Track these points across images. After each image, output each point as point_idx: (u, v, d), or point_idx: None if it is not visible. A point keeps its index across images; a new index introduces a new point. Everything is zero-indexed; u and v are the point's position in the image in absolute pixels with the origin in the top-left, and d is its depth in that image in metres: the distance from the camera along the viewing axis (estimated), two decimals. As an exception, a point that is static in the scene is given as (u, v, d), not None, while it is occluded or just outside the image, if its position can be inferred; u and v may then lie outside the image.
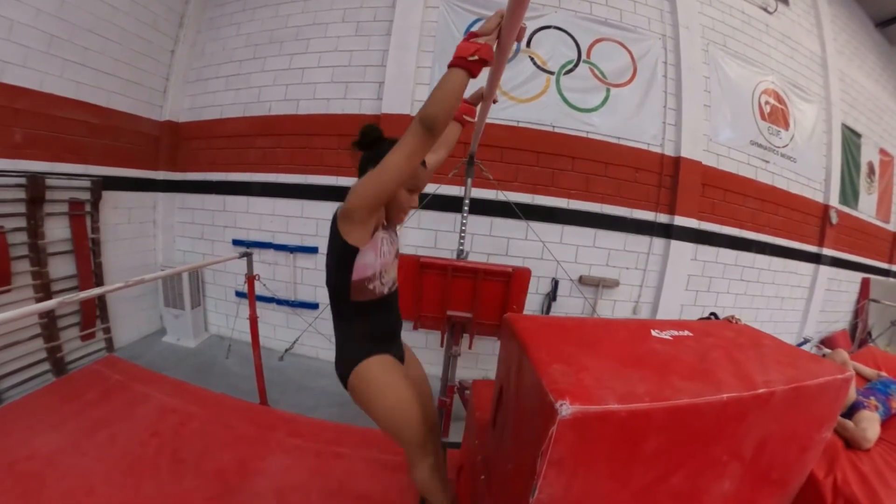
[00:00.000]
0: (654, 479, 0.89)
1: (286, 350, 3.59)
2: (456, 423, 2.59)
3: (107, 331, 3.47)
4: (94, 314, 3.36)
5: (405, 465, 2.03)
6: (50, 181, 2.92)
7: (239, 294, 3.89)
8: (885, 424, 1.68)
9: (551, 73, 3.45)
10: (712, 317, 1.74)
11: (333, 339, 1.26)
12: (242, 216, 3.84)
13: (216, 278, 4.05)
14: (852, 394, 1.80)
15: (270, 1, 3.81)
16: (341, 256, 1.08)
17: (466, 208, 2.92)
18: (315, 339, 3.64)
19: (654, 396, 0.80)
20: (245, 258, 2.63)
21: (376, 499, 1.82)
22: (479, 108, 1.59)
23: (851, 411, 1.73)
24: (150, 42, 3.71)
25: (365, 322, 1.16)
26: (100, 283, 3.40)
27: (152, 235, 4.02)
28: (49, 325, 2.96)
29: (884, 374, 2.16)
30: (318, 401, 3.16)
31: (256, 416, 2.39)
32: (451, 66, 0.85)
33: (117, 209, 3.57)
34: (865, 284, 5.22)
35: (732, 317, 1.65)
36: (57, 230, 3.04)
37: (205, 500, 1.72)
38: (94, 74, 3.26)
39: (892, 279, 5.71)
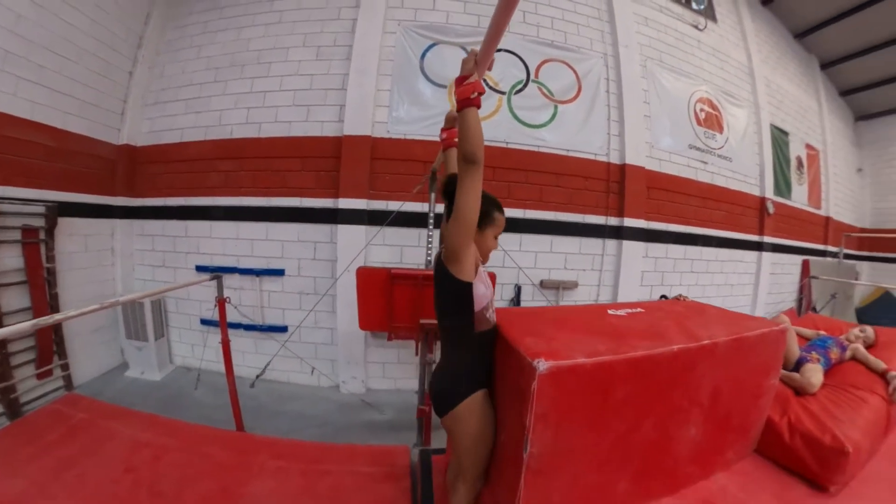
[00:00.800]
0: (627, 428, 1.04)
1: (257, 376, 3.50)
2: (435, 433, 2.63)
3: (65, 367, 3.27)
4: (51, 349, 3.16)
5: (394, 475, 2.07)
6: (1, 206, 2.78)
7: (205, 322, 3.79)
8: (827, 374, 1.89)
9: (503, 93, 3.68)
10: (663, 298, 1.93)
11: (304, 362, 1.28)
12: (206, 241, 3.78)
13: (179, 307, 3.93)
14: (796, 351, 2.01)
15: (231, 24, 3.87)
16: (459, 294, 1.14)
17: (431, 222, 3.04)
18: (286, 363, 3.58)
19: (614, 352, 0.98)
20: (214, 281, 2.60)
21: None
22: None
23: (797, 367, 1.94)
24: (108, 62, 3.62)
25: (483, 354, 1.22)
26: (56, 314, 3.25)
27: (111, 264, 3.86)
28: (2, 362, 2.77)
29: (822, 332, 2.42)
30: (293, 424, 3.11)
31: (235, 443, 2.32)
32: (460, 108, 1.03)
33: (73, 236, 3.42)
34: (806, 265, 5.82)
35: (680, 295, 1.86)
36: (9, 259, 2.87)
37: None
38: (49, 94, 3.13)
39: (828, 258, 6.39)
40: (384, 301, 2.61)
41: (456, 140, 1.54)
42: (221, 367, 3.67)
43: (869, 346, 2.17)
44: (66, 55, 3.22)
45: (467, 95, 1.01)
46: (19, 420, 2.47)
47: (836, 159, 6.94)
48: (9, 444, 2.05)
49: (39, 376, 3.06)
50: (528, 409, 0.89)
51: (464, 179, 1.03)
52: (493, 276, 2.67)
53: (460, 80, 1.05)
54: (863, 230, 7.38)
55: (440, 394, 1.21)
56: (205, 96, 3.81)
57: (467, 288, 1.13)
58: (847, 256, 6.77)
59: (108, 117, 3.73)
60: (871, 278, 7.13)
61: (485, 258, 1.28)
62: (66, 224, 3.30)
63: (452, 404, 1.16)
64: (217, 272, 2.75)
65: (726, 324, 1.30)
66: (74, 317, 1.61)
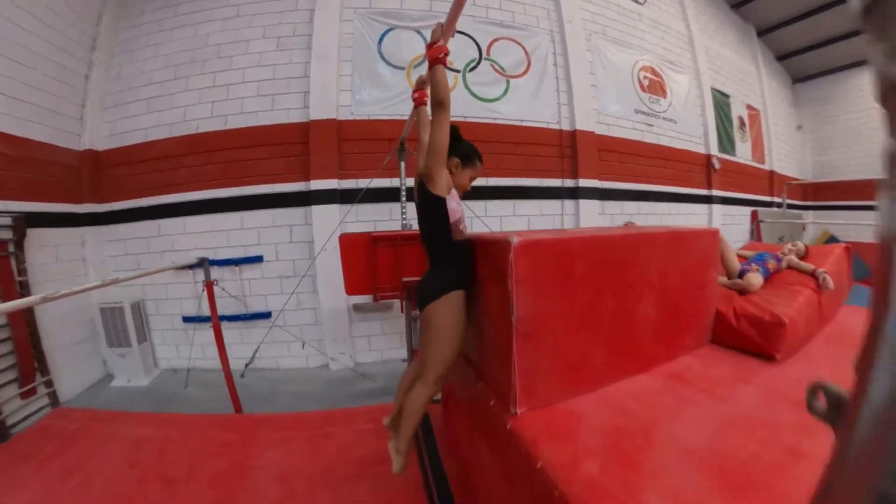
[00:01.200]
0: (591, 299, 1.25)
1: (247, 365, 3.53)
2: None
3: (49, 384, 3.14)
4: (33, 367, 3.04)
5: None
6: None
7: (187, 319, 3.77)
8: (766, 282, 2.15)
9: (458, 71, 3.90)
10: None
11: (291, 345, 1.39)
12: (180, 237, 3.77)
13: (159, 308, 3.88)
14: (736, 264, 2.27)
15: (188, 21, 3.88)
16: (435, 206, 1.38)
17: (404, 191, 3.20)
18: (273, 348, 3.63)
19: (573, 236, 1.25)
20: (194, 274, 2.59)
21: (376, 457, 1.90)
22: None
23: (740, 277, 2.19)
24: (63, 67, 3.54)
25: (462, 259, 1.42)
26: (34, 332, 3.11)
27: (83, 274, 3.76)
28: None
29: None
30: (290, 404, 3.12)
31: (236, 424, 2.36)
32: (431, 65, 1.35)
33: (44, 248, 3.31)
34: (754, 214, 6.31)
35: (629, 222, 2.13)
36: None
37: None
38: (6, 101, 3.04)
39: (775, 208, 6.93)
40: (367, 264, 2.70)
41: (426, 99, 1.82)
42: (209, 364, 3.72)
43: (801, 258, 2.45)
44: (21, 60, 3.14)
45: (437, 55, 1.34)
46: (9, 441, 2.40)
47: (777, 118, 7.51)
48: (3, 462, 2.00)
49: (24, 395, 2.93)
50: (510, 276, 1.08)
51: (436, 119, 1.31)
52: (361, 237, 2.80)
53: (430, 45, 1.38)
54: (802, 181, 8.05)
55: (425, 290, 1.40)
56: (167, 94, 3.80)
57: (442, 202, 1.37)
58: (793, 207, 7.33)
59: (68, 123, 3.65)
60: (817, 225, 7.74)
61: (460, 191, 1.52)
62: (35, 235, 3.20)
63: (436, 296, 1.36)
64: (192, 268, 2.71)
65: (665, 229, 1.58)
66: (54, 298, 1.57)
